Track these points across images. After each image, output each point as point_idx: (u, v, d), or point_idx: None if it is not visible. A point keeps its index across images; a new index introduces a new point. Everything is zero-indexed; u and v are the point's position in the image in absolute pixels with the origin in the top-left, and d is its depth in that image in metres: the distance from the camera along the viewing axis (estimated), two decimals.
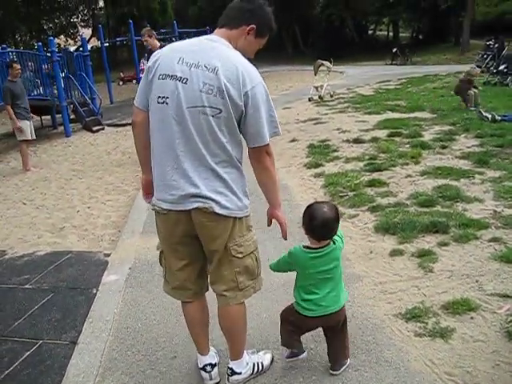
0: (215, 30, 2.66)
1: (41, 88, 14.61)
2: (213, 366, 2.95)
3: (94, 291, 4.31)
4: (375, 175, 6.29)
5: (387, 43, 40.12)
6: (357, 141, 8.25)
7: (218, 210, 2.53)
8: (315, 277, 2.76)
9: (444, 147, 7.25)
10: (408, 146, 7.56)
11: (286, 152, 8.49)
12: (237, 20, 2.61)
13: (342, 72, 24.57)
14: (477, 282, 3.58)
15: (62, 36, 41.08)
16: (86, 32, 41.77)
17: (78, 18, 44.23)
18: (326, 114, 11.54)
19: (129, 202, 7.09)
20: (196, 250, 2.71)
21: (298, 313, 2.83)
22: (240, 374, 2.89)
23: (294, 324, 2.88)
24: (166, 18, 41.64)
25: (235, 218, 2.62)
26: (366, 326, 3.25)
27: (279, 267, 3.02)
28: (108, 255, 5.10)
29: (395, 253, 4.19)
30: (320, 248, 2.76)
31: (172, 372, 3.04)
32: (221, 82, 2.42)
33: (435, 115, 9.79)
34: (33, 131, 10.31)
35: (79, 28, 44.38)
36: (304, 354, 2.90)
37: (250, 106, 2.47)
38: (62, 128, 14.58)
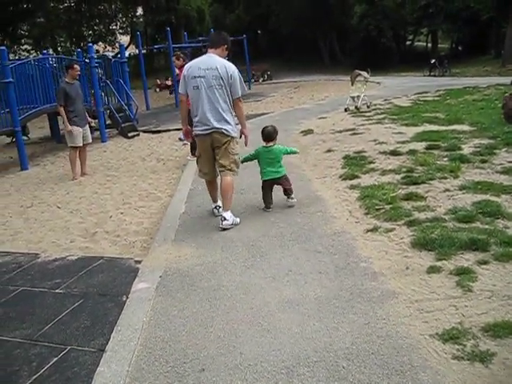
0: (208, 50, 5.74)
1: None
2: (220, 207, 5.97)
3: (124, 298, 4.28)
4: (412, 188, 6.13)
5: (425, 54, 39.68)
6: (394, 153, 8.08)
7: (224, 131, 5.58)
8: (267, 161, 6.07)
9: (484, 161, 7.03)
10: (446, 159, 7.37)
11: (321, 163, 8.38)
12: (218, 44, 5.70)
13: (379, 82, 24.33)
14: None
15: (101, 43, 41.68)
16: (124, 39, 42.39)
17: (116, 25, 44.85)
18: (363, 124, 11.38)
19: (161, 209, 7.08)
20: (212, 155, 5.76)
21: (265, 180, 6.12)
22: (228, 220, 5.61)
23: (264, 187, 6.16)
24: (204, 26, 42.00)
25: (231, 137, 5.67)
26: (401, 346, 3.12)
27: (247, 159, 6.28)
28: (139, 262, 5.08)
29: (432, 270, 4.04)
30: (269, 146, 6.10)
31: None
32: (219, 73, 5.48)
33: (475, 128, 9.53)
34: (88, 136, 10.04)
35: (117, 35, 44.99)
36: (272, 206, 6.14)
37: (232, 80, 5.53)
38: (98, 133, 14.74)
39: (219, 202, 6.04)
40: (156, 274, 4.63)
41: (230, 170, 5.72)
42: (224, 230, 5.55)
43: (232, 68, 5.55)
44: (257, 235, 5.30)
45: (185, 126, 6.16)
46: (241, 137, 5.90)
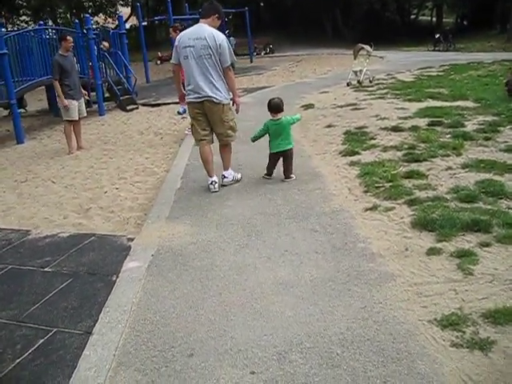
0: (200, 20, 5.80)
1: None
2: (215, 182, 5.97)
3: (114, 278, 4.15)
4: (414, 166, 5.96)
5: (430, 28, 39.08)
6: (395, 129, 7.90)
7: (215, 100, 5.72)
8: (277, 133, 6.05)
9: (487, 139, 6.85)
10: (449, 136, 7.18)
11: (321, 138, 8.21)
12: (208, 13, 5.76)
13: (382, 57, 23.94)
14: None
15: (101, 14, 41.01)
16: (125, 11, 41.65)
17: None
18: (365, 99, 11.16)
19: (157, 184, 6.93)
20: (206, 120, 5.90)
21: (272, 152, 6.13)
22: (227, 177, 6.11)
23: (271, 159, 6.19)
24: None
25: (223, 104, 5.80)
26: (398, 332, 2.99)
27: (256, 136, 6.30)
28: (131, 240, 4.94)
29: (432, 251, 3.90)
30: (277, 119, 6.06)
31: (187, 371, 2.84)
32: (208, 43, 5.55)
33: (479, 104, 9.33)
34: (83, 110, 9.79)
35: (118, 7, 44.19)
36: (273, 175, 6.23)
37: (221, 49, 5.58)
38: (96, 106, 14.51)
39: (215, 177, 6.02)
40: (148, 252, 4.50)
41: (228, 136, 6.02)
42: (223, 186, 6.07)
43: (221, 37, 5.65)
44: (253, 213, 5.16)
45: (180, 91, 6.57)
46: (233, 104, 6.04)
